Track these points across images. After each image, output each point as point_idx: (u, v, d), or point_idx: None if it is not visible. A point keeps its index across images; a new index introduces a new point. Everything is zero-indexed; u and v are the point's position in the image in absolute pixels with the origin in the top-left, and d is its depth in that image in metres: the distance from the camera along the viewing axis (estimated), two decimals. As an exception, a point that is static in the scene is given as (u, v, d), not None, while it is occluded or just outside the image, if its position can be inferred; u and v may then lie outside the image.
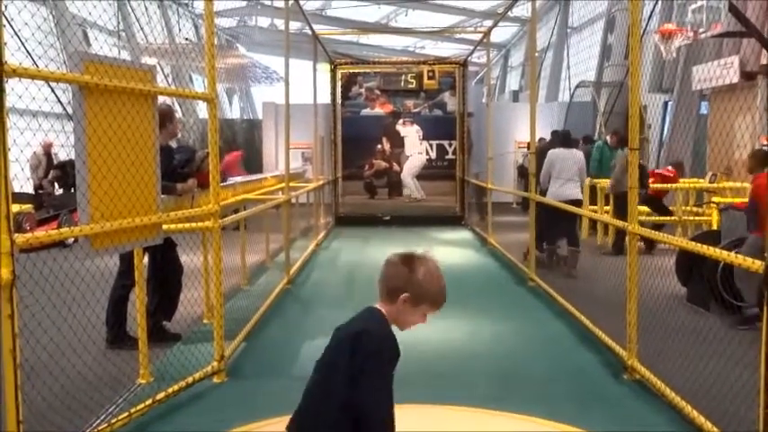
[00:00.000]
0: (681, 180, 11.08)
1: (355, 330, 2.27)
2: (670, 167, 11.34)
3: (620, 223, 5.95)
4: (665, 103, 17.61)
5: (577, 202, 8.71)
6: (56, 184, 14.03)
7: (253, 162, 19.41)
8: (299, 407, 2.34)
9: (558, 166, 8.73)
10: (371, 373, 2.19)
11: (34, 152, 13.85)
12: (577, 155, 9.07)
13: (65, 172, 13.40)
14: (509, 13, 12.69)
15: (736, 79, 13.05)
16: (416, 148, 15.36)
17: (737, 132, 12.19)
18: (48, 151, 14.25)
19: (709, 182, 11.68)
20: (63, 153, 14.69)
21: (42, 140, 13.79)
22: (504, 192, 13.71)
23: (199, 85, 22.86)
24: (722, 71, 13.25)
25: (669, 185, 10.83)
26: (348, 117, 15.39)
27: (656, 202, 10.90)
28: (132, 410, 3.99)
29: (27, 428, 2.98)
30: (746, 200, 6.89)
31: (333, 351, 2.30)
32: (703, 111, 15.91)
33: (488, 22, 23.03)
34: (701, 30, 13.22)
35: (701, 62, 14.66)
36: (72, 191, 12.46)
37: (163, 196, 4.40)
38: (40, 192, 13.66)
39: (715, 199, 9.97)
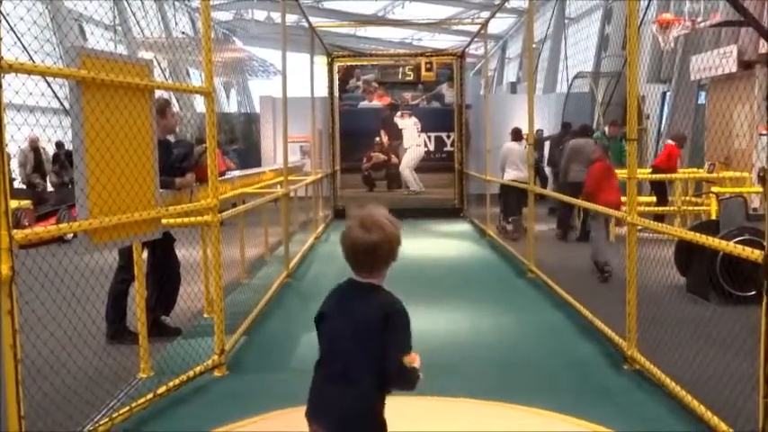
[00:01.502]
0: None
1: (386, 312, 2.28)
2: (671, 141, 11.52)
3: (620, 214, 5.95)
4: (664, 94, 17.57)
5: (524, 183, 9.99)
6: (55, 176, 14.03)
7: (251, 156, 19.39)
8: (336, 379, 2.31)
9: (511, 157, 11.25)
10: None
11: (20, 148, 13.75)
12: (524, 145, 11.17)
13: (60, 162, 13.40)
14: (506, 4, 12.63)
15: (734, 69, 13.02)
16: (415, 141, 15.33)
17: (736, 122, 12.19)
18: (35, 146, 14.11)
19: (708, 172, 11.67)
20: (51, 148, 14.65)
21: (28, 136, 13.67)
22: (504, 183, 13.67)
23: (196, 79, 22.77)
24: (720, 61, 13.22)
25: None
26: (346, 110, 15.34)
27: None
28: (133, 405, 4.00)
29: (28, 424, 2.98)
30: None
31: (364, 332, 2.30)
32: (702, 101, 15.87)
33: (486, 14, 22.95)
34: (699, 19, 13.18)
35: (699, 52, 14.63)
36: (69, 187, 12.46)
37: (161, 191, 4.39)
38: (38, 190, 13.63)
39: (714, 189, 9.96)
